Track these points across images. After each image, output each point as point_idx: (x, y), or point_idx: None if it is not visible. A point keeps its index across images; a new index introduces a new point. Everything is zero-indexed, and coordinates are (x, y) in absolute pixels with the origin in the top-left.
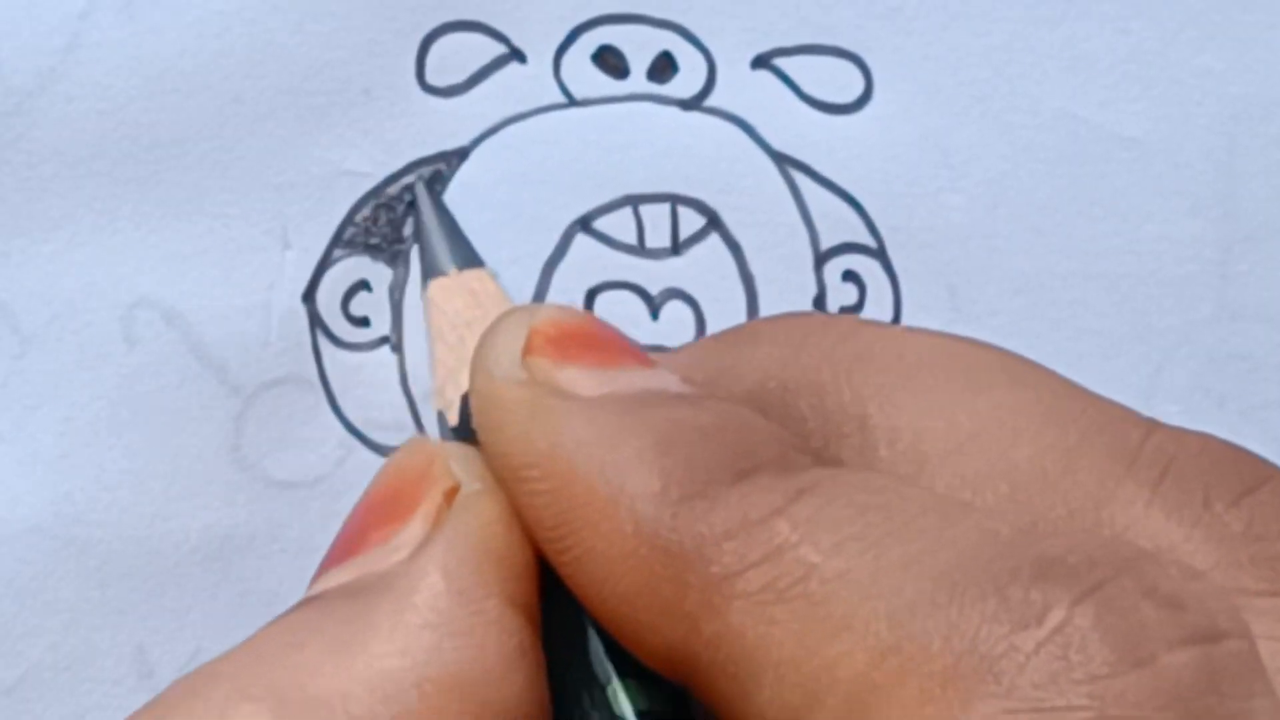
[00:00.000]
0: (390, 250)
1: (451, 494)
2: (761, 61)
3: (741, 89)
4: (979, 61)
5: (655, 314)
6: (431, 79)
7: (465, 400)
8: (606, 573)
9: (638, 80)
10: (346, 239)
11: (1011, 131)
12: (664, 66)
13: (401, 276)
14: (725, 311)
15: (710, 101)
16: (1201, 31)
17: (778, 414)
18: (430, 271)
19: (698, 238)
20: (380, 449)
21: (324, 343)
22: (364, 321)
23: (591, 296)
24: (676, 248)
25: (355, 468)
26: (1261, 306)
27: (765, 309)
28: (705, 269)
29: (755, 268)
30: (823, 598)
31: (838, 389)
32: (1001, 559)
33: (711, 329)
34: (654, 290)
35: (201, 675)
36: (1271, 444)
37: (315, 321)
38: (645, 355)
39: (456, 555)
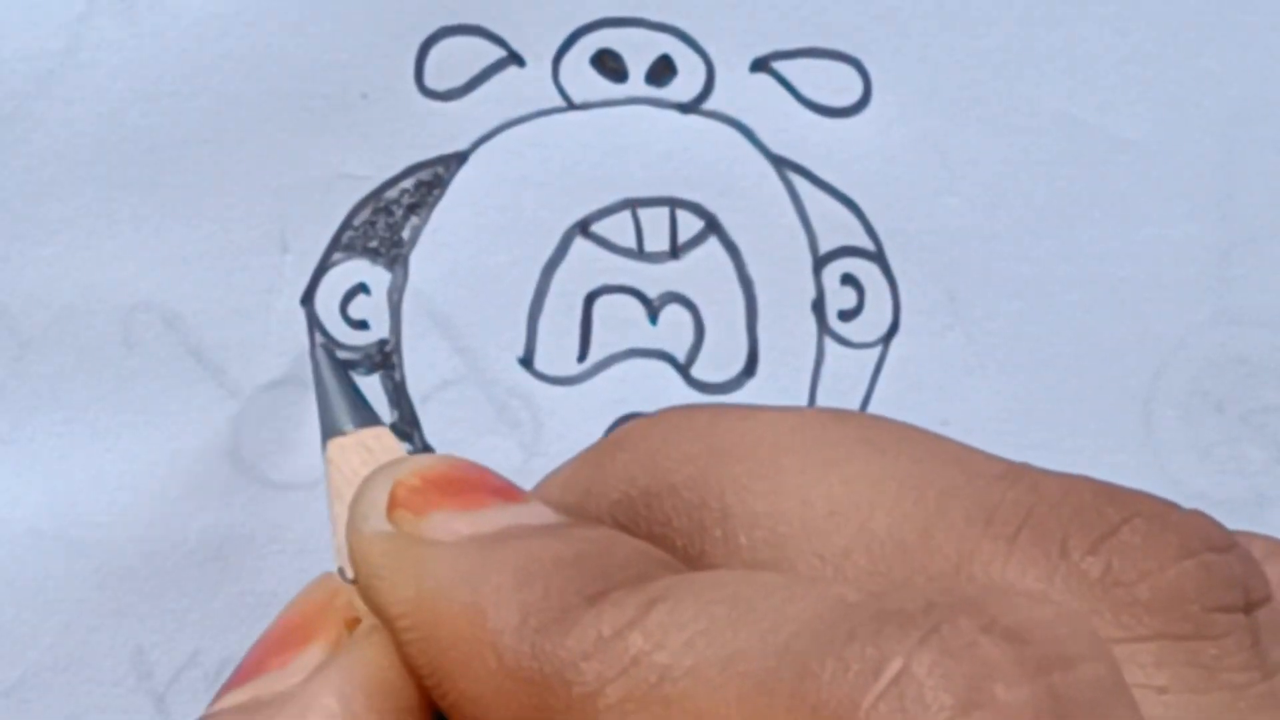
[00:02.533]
0: (389, 254)
1: (352, 625)
2: (760, 64)
3: (740, 92)
4: (977, 64)
5: (654, 318)
6: (430, 82)
7: None
8: (481, 710)
9: (636, 83)
10: (345, 242)
11: (1010, 134)
12: (663, 69)
13: (400, 280)
14: (724, 315)
15: (709, 104)
16: (1200, 34)
17: (644, 522)
18: (329, 431)
19: (696, 241)
20: None
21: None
22: (362, 324)
23: (590, 300)
24: (675, 251)
25: None
26: (1260, 310)
27: (764, 312)
28: (704, 272)
29: (754, 271)
30: (678, 696)
31: (697, 486)
32: (843, 621)
33: (710, 332)
34: (653, 294)
35: None
36: (1271, 447)
37: (314, 324)
38: (513, 491)
39: (352, 681)
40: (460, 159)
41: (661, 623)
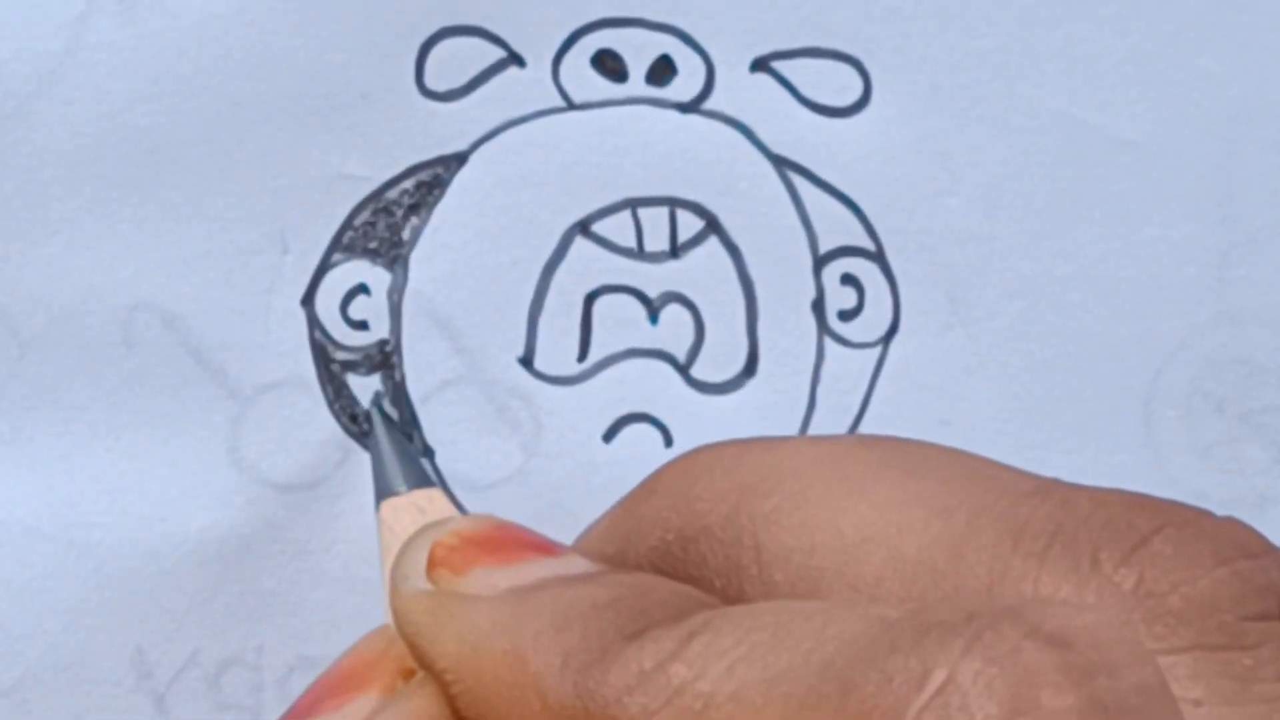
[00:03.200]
0: (389, 254)
1: (407, 675)
2: (760, 64)
3: (740, 92)
4: (977, 64)
5: (654, 318)
6: (430, 83)
7: None
8: None
9: (636, 83)
10: (345, 243)
11: (1010, 134)
12: (663, 69)
13: (400, 280)
14: (724, 315)
15: (709, 104)
16: (1200, 34)
17: (680, 565)
18: (383, 491)
19: (696, 241)
20: None
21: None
22: (362, 325)
23: (590, 300)
24: (675, 251)
25: (353, 470)
26: (1260, 310)
27: (764, 312)
28: (704, 272)
29: (754, 271)
30: None
31: (730, 526)
32: (884, 635)
33: (710, 332)
34: (653, 294)
35: None
36: (1271, 448)
37: (314, 325)
38: (551, 546)
39: None
40: (460, 159)
41: (702, 652)
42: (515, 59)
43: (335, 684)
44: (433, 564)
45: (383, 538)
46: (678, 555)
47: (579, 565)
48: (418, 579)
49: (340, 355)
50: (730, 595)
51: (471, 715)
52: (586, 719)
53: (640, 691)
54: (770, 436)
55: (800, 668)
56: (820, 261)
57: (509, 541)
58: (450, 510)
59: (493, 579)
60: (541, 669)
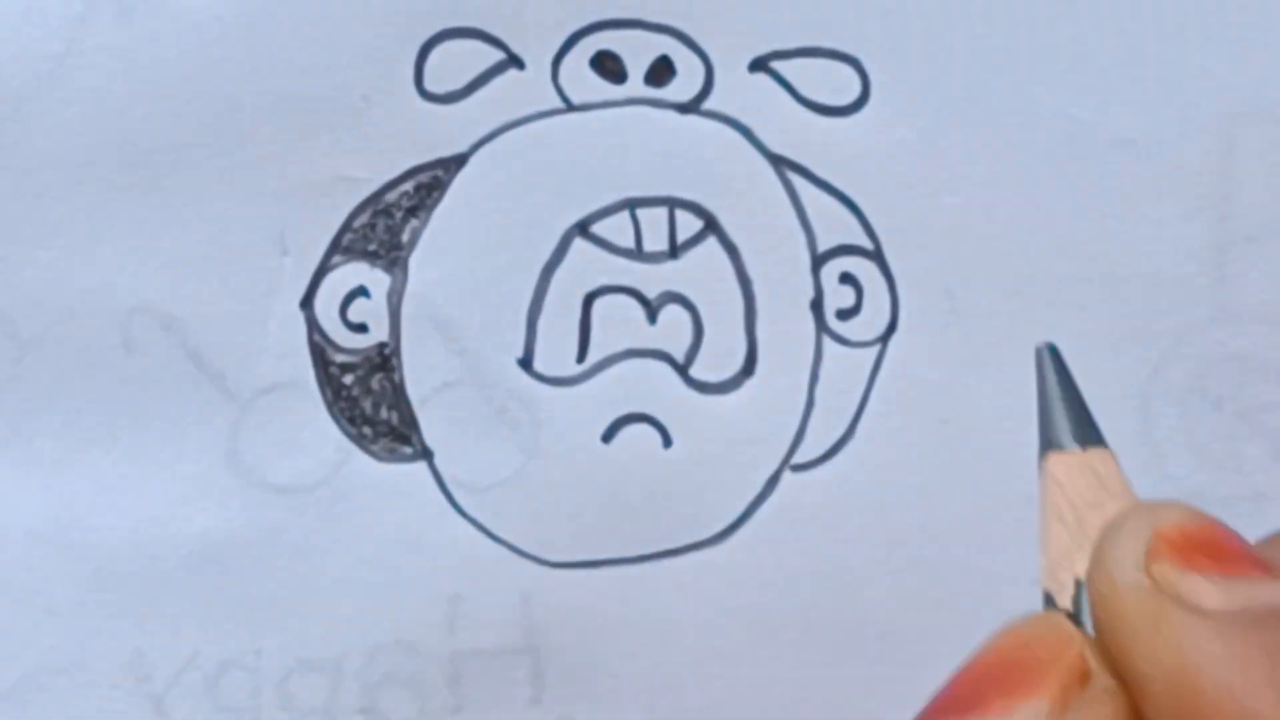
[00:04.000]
0: (388, 256)
1: (1083, 680)
2: (759, 64)
3: (739, 92)
4: (976, 63)
5: (653, 318)
6: (430, 86)
7: (1079, 586)
8: None
9: (635, 84)
10: (345, 245)
11: (1008, 133)
12: (662, 70)
13: (399, 283)
14: (722, 314)
15: (708, 104)
16: (1199, 33)
17: None
18: (1049, 443)
19: (695, 240)
20: (377, 455)
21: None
22: (362, 327)
23: (589, 301)
24: (674, 251)
25: (353, 473)
26: (1258, 308)
27: (762, 311)
28: (703, 272)
29: (752, 270)
30: None
31: None
32: None
33: (709, 331)
34: (651, 294)
35: None
36: (1268, 445)
37: (313, 327)
38: (1265, 563)
39: None
40: (460, 161)
41: None
42: (515, 61)
43: (1003, 678)
44: (1153, 557)
45: (1048, 494)
46: None
47: None
48: (1134, 568)
49: (339, 358)
50: None
51: None
52: None
53: None
54: None
55: None
56: (819, 260)
57: (1230, 551)
58: (1126, 483)
59: (1214, 591)
60: (1269, 713)
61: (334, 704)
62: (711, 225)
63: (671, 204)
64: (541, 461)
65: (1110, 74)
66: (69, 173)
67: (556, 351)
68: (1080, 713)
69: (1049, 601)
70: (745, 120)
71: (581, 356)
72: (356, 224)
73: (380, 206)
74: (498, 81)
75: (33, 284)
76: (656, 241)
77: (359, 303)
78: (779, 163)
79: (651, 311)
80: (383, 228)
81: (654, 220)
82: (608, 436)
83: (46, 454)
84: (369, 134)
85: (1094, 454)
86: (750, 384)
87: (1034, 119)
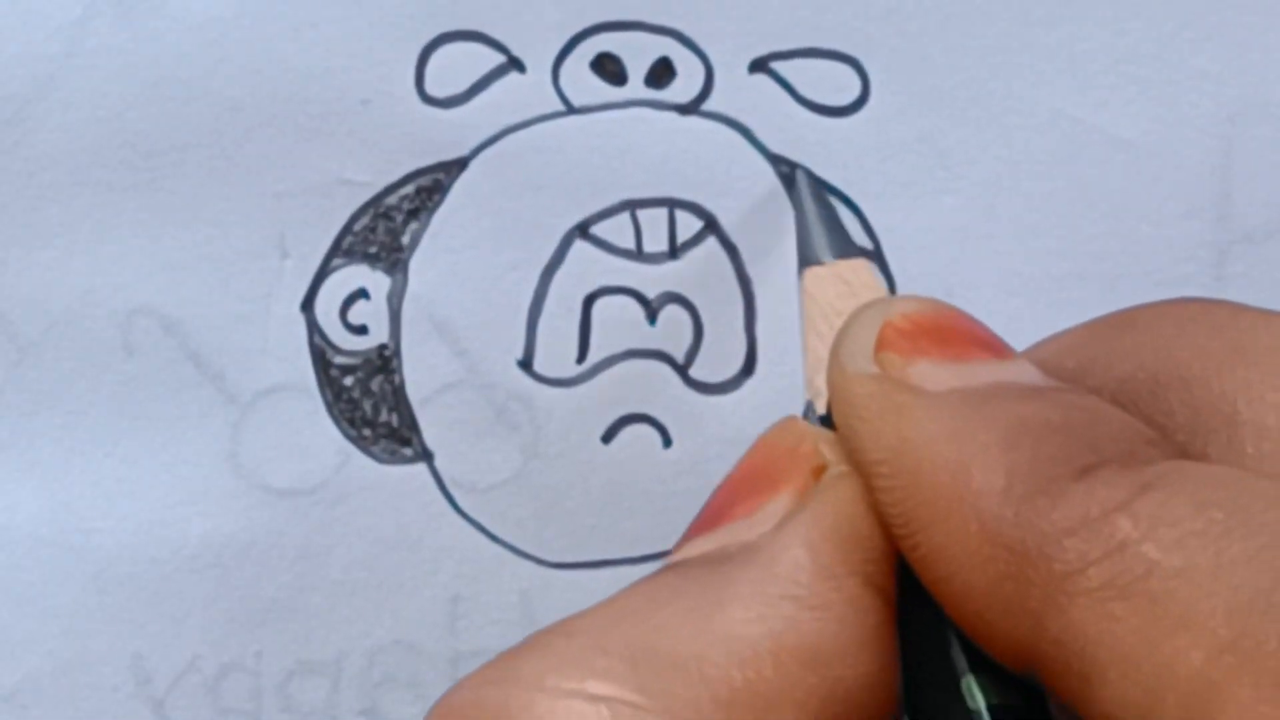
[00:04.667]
0: (389, 259)
1: (818, 472)
2: (759, 65)
3: (739, 93)
4: (975, 63)
5: (653, 319)
6: (431, 89)
7: None
8: (953, 569)
9: (636, 86)
10: (345, 248)
11: (1008, 133)
12: (662, 72)
13: (400, 285)
14: (722, 315)
15: (708, 106)
16: (1198, 33)
17: (1145, 406)
18: (806, 260)
19: (695, 241)
20: (378, 457)
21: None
22: (362, 329)
23: (589, 302)
24: (674, 252)
25: (353, 475)
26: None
27: (762, 311)
28: (703, 272)
29: (752, 270)
30: (1163, 594)
31: (1207, 383)
32: None
33: (709, 332)
34: (651, 295)
35: (557, 630)
36: None
37: (313, 329)
38: (1001, 346)
39: (821, 531)
40: (461, 165)
41: (1153, 513)
42: (515, 64)
43: (746, 484)
44: (881, 345)
45: (805, 307)
46: (1144, 396)
47: (1029, 375)
48: (864, 359)
49: (340, 360)
50: (1189, 455)
51: (895, 515)
52: (1020, 550)
53: (1081, 537)
54: (1263, 309)
55: (1255, 563)
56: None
57: (960, 334)
58: (879, 285)
59: (941, 374)
60: (983, 488)
61: (335, 705)
62: (711, 226)
63: (671, 205)
64: (541, 462)
65: (1110, 74)
66: (69, 174)
67: (556, 352)
68: (817, 501)
69: (809, 409)
70: (745, 121)
71: (581, 357)
72: (357, 226)
73: (381, 209)
74: (498, 85)
75: (33, 285)
76: (656, 242)
77: (359, 305)
78: (779, 163)
79: (651, 312)
80: (383, 230)
81: (654, 221)
82: (608, 437)
83: (46, 456)
84: (370, 137)
85: (845, 265)
86: (750, 384)
87: (1033, 119)
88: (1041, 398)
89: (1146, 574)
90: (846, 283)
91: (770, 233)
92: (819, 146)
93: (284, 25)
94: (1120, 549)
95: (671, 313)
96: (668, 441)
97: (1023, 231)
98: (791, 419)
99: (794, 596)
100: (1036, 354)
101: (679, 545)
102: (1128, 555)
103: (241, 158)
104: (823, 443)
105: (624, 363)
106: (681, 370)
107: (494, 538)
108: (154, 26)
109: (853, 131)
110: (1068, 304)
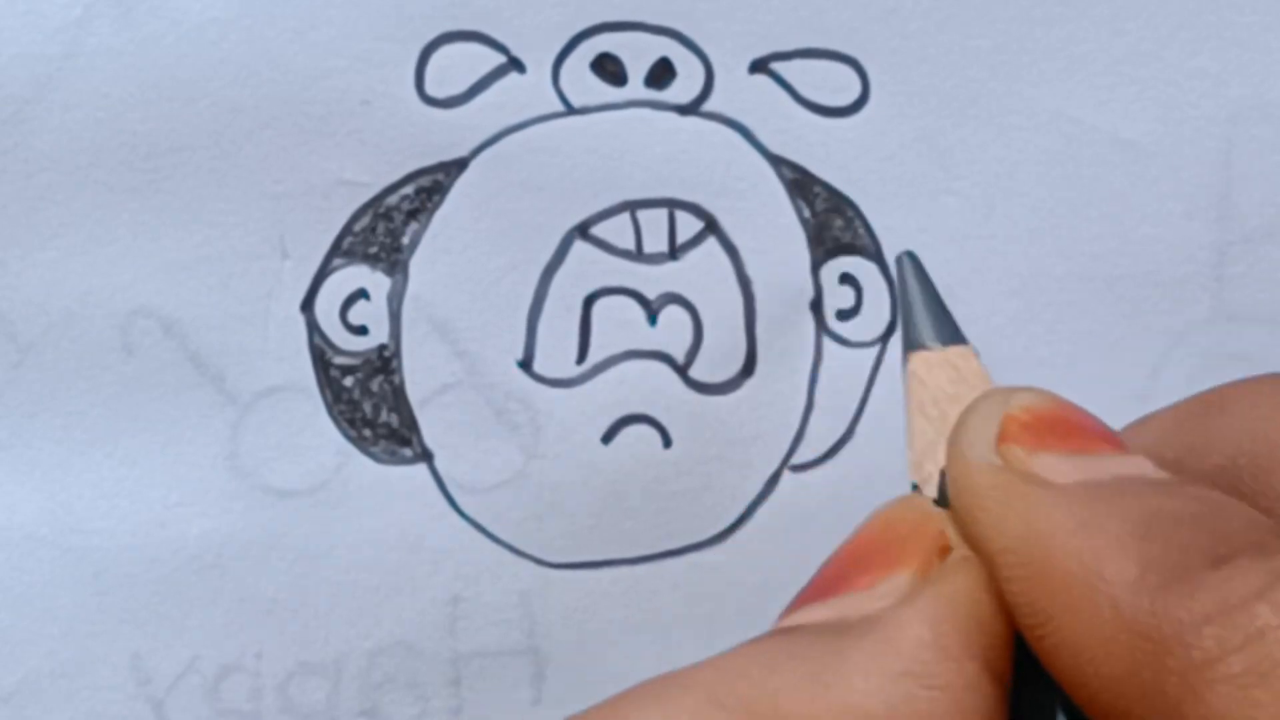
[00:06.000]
0: (389, 259)
1: (943, 553)
2: (759, 65)
3: (739, 93)
4: (975, 63)
5: (653, 319)
6: (431, 90)
7: (942, 476)
8: (1084, 657)
9: (636, 87)
10: (345, 248)
11: (1007, 133)
12: (662, 72)
13: (400, 285)
14: (722, 315)
15: (708, 106)
16: (1198, 34)
17: (1249, 490)
18: (912, 344)
19: (695, 242)
20: (378, 457)
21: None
22: (362, 330)
23: (589, 302)
24: (674, 252)
25: (353, 476)
26: (1257, 308)
27: (762, 312)
28: (702, 273)
29: (752, 271)
30: None
31: None
32: None
33: (709, 332)
34: (651, 295)
35: (669, 681)
36: None
37: (313, 330)
38: (1118, 439)
39: (943, 612)
40: (461, 165)
41: None
42: (515, 64)
43: (866, 556)
44: (1004, 438)
45: (912, 391)
46: (1246, 482)
47: (1149, 469)
48: (985, 449)
49: (340, 360)
50: None
51: (1022, 604)
52: (1157, 638)
53: (1219, 624)
54: None
55: None
56: (818, 261)
57: (1080, 428)
58: (984, 373)
59: (1065, 467)
60: (1117, 577)
61: (335, 706)
62: (711, 226)
63: (671, 205)
64: (541, 462)
65: (1110, 75)
66: (69, 175)
67: (556, 353)
68: (941, 581)
69: (926, 498)
70: (745, 121)
71: (581, 358)
72: (357, 227)
73: (381, 209)
74: (498, 85)
75: (33, 286)
76: (656, 243)
77: (359, 305)
78: (779, 163)
79: (651, 312)
80: (383, 231)
81: (654, 222)
82: (608, 437)
83: (46, 456)
84: (369, 137)
85: (954, 351)
86: (750, 384)
87: (1033, 120)
88: (1167, 491)
89: None
90: (956, 369)
91: (770, 233)
92: (819, 147)
93: (284, 26)
94: (1260, 635)
95: (671, 313)
96: (668, 442)
97: (1022, 232)
98: (915, 497)
99: (914, 674)
100: (1139, 444)
101: (790, 609)
102: (1268, 641)
103: (241, 158)
104: (949, 524)
105: (624, 363)
106: (681, 370)
107: (494, 538)
108: (154, 27)
109: (853, 132)
110: (1068, 304)
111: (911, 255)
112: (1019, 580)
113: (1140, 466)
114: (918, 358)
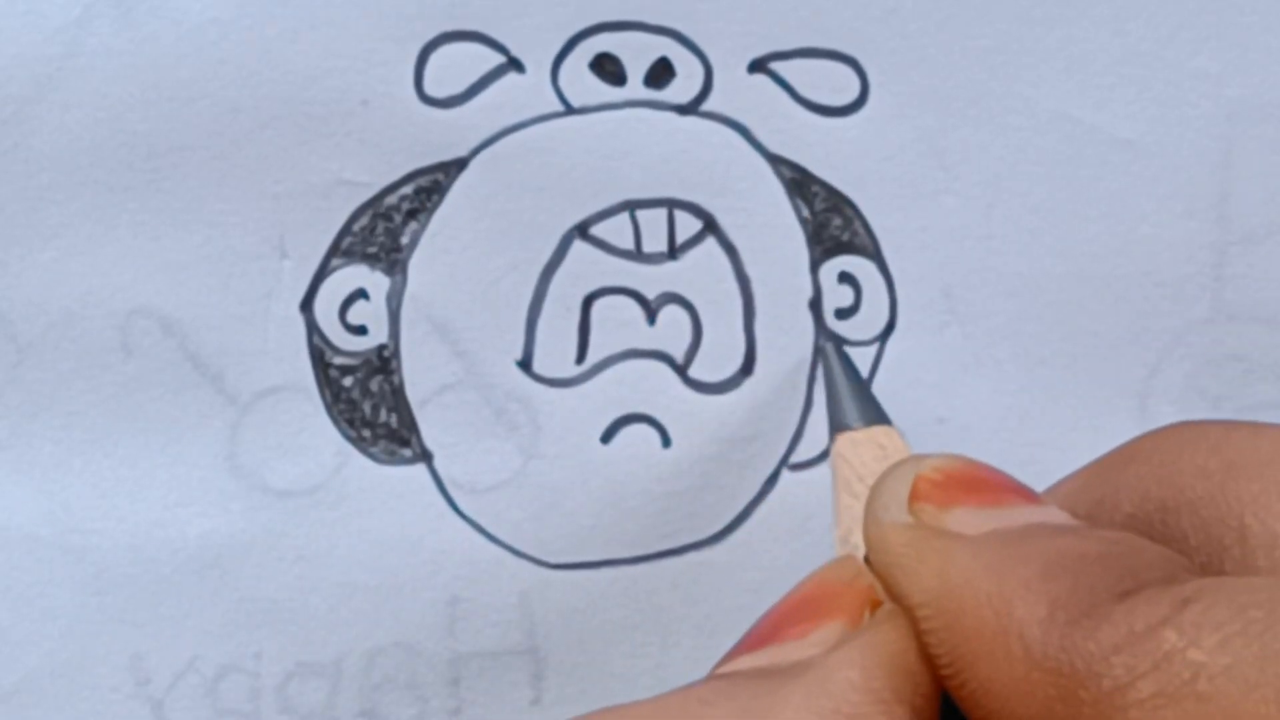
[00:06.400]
0: (388, 259)
1: (874, 607)
2: (758, 65)
3: (738, 93)
4: (974, 63)
5: (652, 319)
6: (430, 90)
7: None
8: (1001, 699)
9: (635, 86)
10: (344, 248)
11: (1007, 133)
12: (661, 72)
13: (399, 285)
14: (721, 315)
15: (707, 106)
16: (1197, 33)
17: (1160, 534)
18: (837, 425)
19: (694, 241)
20: (377, 458)
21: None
22: (361, 330)
23: (589, 302)
24: (673, 251)
25: (352, 476)
26: (1256, 308)
27: (761, 311)
28: (702, 272)
29: (751, 270)
30: (1211, 693)
31: (1213, 503)
32: None
33: (708, 332)
34: (650, 295)
35: (608, 716)
36: None
37: (313, 330)
38: (1030, 493)
39: (872, 658)
40: (460, 165)
41: (1195, 621)
42: (515, 64)
43: (799, 610)
44: (915, 497)
45: (838, 470)
46: (1156, 526)
47: (1059, 516)
48: (898, 510)
49: (339, 360)
50: (1208, 574)
51: (940, 654)
52: (1069, 673)
53: (1128, 652)
54: (1251, 421)
55: None
56: (817, 260)
57: (992, 483)
58: (908, 449)
59: (976, 520)
60: (1026, 617)
61: (334, 707)
62: (710, 226)
63: (670, 205)
64: (541, 463)
65: (1109, 75)
66: (68, 175)
67: (556, 353)
68: (871, 631)
69: (863, 561)
70: (744, 121)
71: (581, 358)
72: (356, 227)
73: (380, 209)
74: (497, 85)
75: (31, 286)
76: (655, 243)
77: (358, 305)
78: (778, 162)
79: (650, 312)
80: (382, 230)
81: (653, 221)
82: (607, 437)
83: (46, 456)
84: (369, 137)
85: (878, 430)
86: (749, 383)
87: (1033, 119)
88: (1076, 534)
89: (1194, 677)
90: (880, 446)
91: (769, 232)
92: (818, 146)
93: (284, 26)
94: (1167, 658)
95: (671, 313)
96: (667, 441)
97: (1022, 231)
98: (849, 557)
99: (844, 713)
100: (1054, 497)
101: (726, 659)
102: (1174, 663)
103: (241, 158)
104: (877, 582)
105: (623, 363)
106: (681, 370)
107: (493, 539)
108: (154, 27)
109: (852, 131)
110: (1067, 304)
111: (835, 343)
112: (936, 632)
113: (1051, 515)
114: (843, 438)
